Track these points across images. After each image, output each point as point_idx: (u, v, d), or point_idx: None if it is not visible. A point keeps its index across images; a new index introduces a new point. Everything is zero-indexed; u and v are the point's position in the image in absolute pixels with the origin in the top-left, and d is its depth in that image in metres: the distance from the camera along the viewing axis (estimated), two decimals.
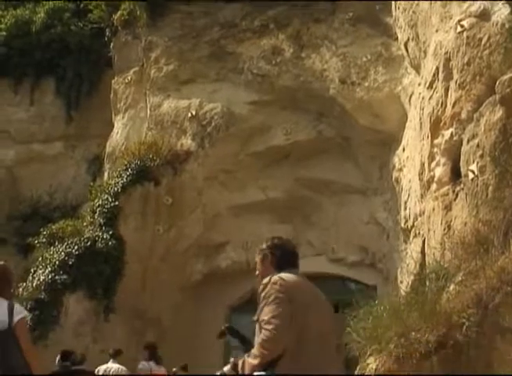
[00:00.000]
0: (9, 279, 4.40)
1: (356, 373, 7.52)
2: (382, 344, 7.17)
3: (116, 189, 15.32)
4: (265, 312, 3.76)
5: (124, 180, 15.34)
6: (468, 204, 7.92)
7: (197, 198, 15.97)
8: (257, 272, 4.19)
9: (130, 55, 17.91)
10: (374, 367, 7.07)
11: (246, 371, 3.75)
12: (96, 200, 15.55)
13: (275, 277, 3.89)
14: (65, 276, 14.28)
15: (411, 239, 11.67)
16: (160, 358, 12.20)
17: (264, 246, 4.26)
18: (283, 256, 4.17)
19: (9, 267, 4.51)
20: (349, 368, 9.25)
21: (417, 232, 11.17)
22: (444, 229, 8.59)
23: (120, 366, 11.78)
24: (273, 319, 3.70)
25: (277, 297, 3.76)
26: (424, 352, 6.68)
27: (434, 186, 9.40)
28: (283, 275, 3.94)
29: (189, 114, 15.94)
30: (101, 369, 11.70)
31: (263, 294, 3.87)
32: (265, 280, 3.92)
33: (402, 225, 12.37)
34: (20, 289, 14.61)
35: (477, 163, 7.74)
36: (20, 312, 4.26)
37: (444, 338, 6.64)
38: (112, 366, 11.53)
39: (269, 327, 3.71)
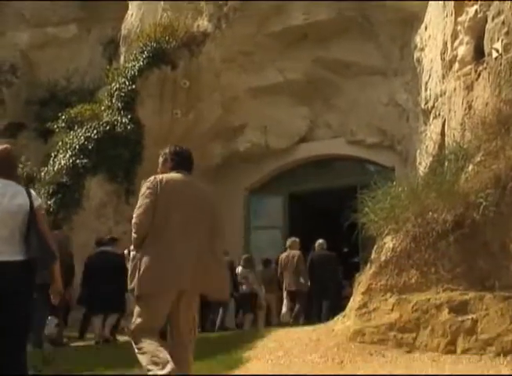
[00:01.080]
0: (14, 162, 4.42)
1: (374, 251, 7.66)
2: (399, 224, 7.26)
3: (132, 72, 15.18)
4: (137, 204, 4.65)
5: (141, 63, 15.17)
6: (490, 84, 7.76)
7: (215, 81, 15.80)
8: (158, 170, 4.92)
9: None
10: (391, 246, 7.19)
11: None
12: (113, 84, 15.45)
13: (152, 177, 4.70)
14: (85, 160, 14.44)
15: (431, 120, 11.57)
16: None
17: (167, 150, 4.96)
18: (179, 161, 4.86)
19: (13, 150, 4.53)
20: (366, 247, 9.42)
21: (437, 113, 11.05)
22: (465, 110, 8.48)
23: None
24: (137, 210, 4.58)
25: (145, 191, 4.61)
26: (441, 232, 6.77)
27: (456, 66, 9.21)
28: (164, 175, 4.73)
29: None
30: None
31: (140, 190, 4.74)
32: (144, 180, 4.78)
33: (422, 106, 12.22)
34: (42, 173, 14.84)
35: (502, 41, 7.53)
36: (37, 198, 4.33)
37: (461, 218, 6.71)
38: None
39: (134, 215, 4.60)
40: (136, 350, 4.51)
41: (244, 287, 13.16)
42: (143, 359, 4.44)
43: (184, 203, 4.64)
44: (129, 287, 4.56)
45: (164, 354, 4.38)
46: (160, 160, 4.97)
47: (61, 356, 6.05)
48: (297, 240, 12.98)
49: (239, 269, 13.38)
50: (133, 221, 4.62)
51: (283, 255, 12.75)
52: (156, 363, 4.33)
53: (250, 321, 13.31)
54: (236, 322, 13.59)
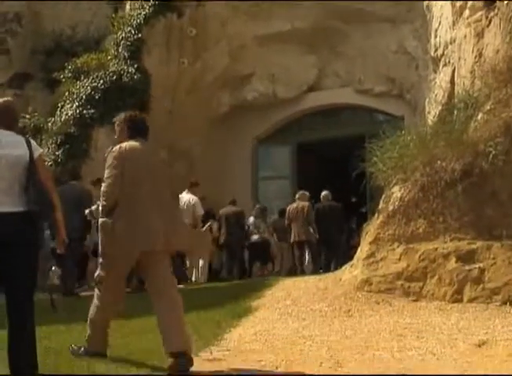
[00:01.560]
0: (14, 114, 4.39)
1: (381, 201, 7.66)
2: (407, 173, 7.24)
3: (138, 20, 14.98)
4: (105, 173, 4.85)
5: (146, 11, 14.95)
6: (502, 31, 7.63)
7: (222, 29, 15.59)
8: (115, 139, 5.14)
9: None
10: (399, 196, 7.18)
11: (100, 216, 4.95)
12: (119, 33, 15.27)
13: (116, 146, 4.88)
14: (92, 111, 14.36)
15: (440, 68, 11.42)
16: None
17: (122, 118, 5.11)
18: (136, 129, 5.02)
19: (14, 102, 4.53)
20: (374, 197, 9.43)
21: (447, 60, 10.90)
22: (475, 57, 8.36)
23: (192, 196, 11.61)
24: (107, 179, 4.78)
25: (113, 161, 4.78)
26: (449, 181, 6.75)
27: (466, 12, 9.04)
28: (125, 143, 4.89)
29: None
30: None
31: (107, 160, 4.93)
32: (109, 149, 5.00)
33: (432, 53, 12.05)
34: (49, 124, 14.80)
35: None
36: (38, 148, 4.28)
37: (470, 167, 6.68)
38: (183, 196, 11.09)
39: (104, 184, 4.81)
40: (95, 301, 4.84)
41: (256, 236, 13.25)
42: (93, 319, 4.85)
43: (149, 171, 4.82)
44: (101, 251, 4.74)
45: (105, 343, 4.85)
46: (117, 129, 5.11)
47: (67, 304, 6.16)
48: (307, 193, 12.99)
49: (250, 219, 13.44)
50: (102, 189, 4.81)
51: (292, 206, 12.78)
52: (95, 343, 4.82)
53: (263, 269, 13.47)
54: (248, 271, 13.73)
